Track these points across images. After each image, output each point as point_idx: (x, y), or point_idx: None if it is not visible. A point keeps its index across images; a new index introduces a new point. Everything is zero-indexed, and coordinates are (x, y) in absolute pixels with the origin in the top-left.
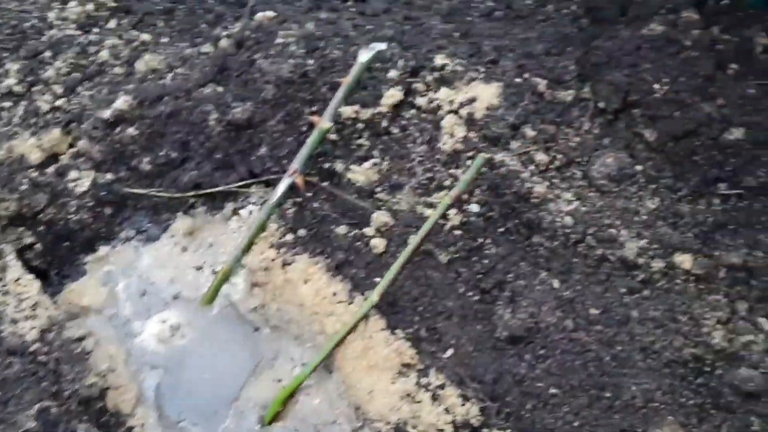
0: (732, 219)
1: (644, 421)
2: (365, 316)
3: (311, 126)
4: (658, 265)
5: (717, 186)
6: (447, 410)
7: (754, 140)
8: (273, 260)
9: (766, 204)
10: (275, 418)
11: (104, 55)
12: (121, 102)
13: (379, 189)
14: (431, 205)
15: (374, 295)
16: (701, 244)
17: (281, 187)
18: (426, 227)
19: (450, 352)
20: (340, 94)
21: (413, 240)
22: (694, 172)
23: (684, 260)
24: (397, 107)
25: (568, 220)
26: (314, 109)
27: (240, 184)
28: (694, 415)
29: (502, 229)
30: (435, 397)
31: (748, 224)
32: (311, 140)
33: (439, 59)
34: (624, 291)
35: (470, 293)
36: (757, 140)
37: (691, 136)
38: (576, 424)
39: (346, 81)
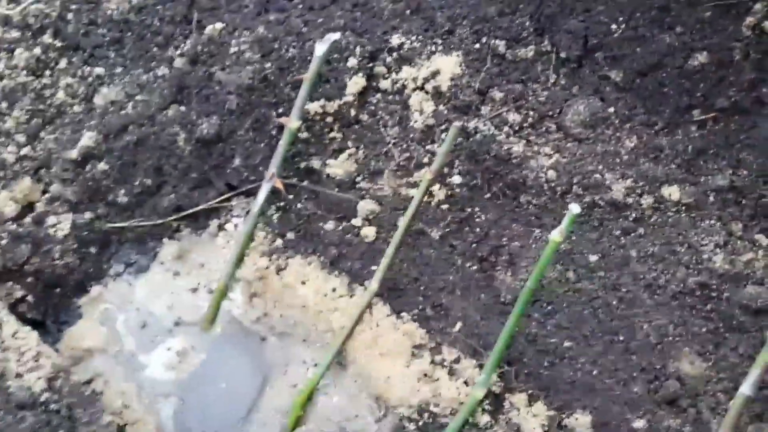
0: (711, 143)
1: (661, 357)
2: (369, 306)
3: (281, 128)
4: (647, 201)
5: (691, 113)
6: (466, 383)
7: (718, 62)
8: (267, 268)
9: (741, 122)
10: (297, 423)
11: (61, 96)
12: (87, 139)
13: (359, 178)
14: (414, 185)
15: (374, 284)
16: (686, 173)
17: (261, 194)
18: (412, 207)
19: (459, 325)
20: (303, 91)
21: (402, 222)
22: (666, 104)
23: (672, 192)
24: (363, 94)
25: (552, 173)
26: (281, 111)
27: (220, 199)
28: (709, 342)
29: (488, 195)
30: (452, 372)
31: (728, 145)
32: (283, 142)
33: (395, 39)
34: (619, 233)
35: (468, 264)
36: (722, 61)
37: (656, 69)
38: (595, 372)
39: (307, 77)
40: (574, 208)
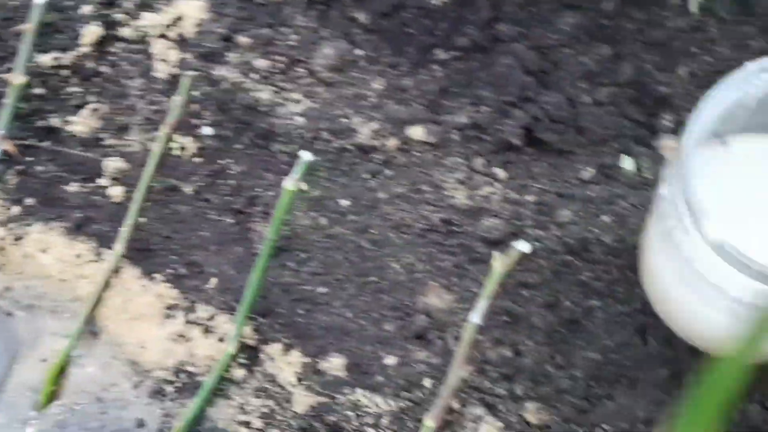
0: (453, 82)
1: (411, 294)
2: (116, 270)
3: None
4: (393, 143)
5: (433, 53)
6: (221, 339)
7: (458, 1)
8: (3, 238)
9: (480, 60)
10: (51, 398)
11: None
12: None
13: (104, 135)
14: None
15: (117, 246)
16: (430, 113)
17: None
18: (152, 162)
19: (213, 281)
20: (25, 43)
21: (143, 179)
22: (410, 45)
23: (416, 132)
24: (102, 44)
25: (301, 120)
26: (9, 66)
27: None
28: (454, 275)
29: (239, 146)
30: (207, 330)
31: (468, 83)
32: (9, 100)
33: None
34: (367, 176)
35: (223, 217)
36: (462, 0)
37: (399, 10)
38: (349, 314)
39: (29, 28)
40: (305, 155)
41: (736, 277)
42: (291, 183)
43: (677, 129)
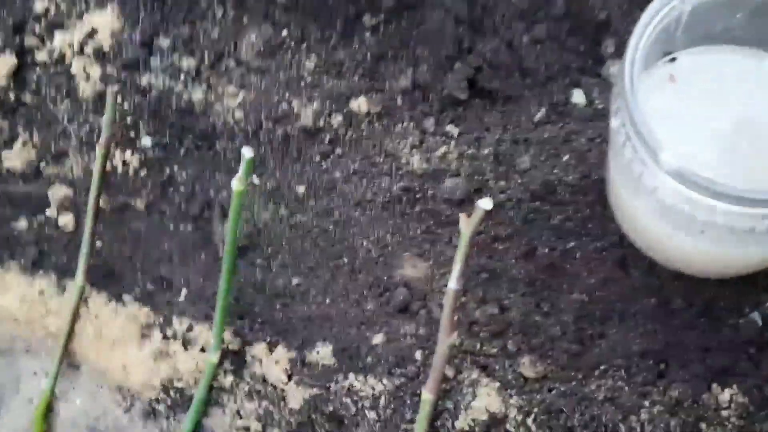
0: (387, 46)
1: (386, 268)
2: (81, 300)
3: None
4: (337, 120)
5: (361, 21)
6: (203, 349)
7: None
8: None
9: (409, 19)
10: None
11: None
12: None
13: (43, 164)
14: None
15: (78, 277)
16: (370, 82)
17: None
18: (94, 184)
19: (184, 292)
20: None
21: (90, 203)
22: (335, 17)
23: (360, 104)
24: (18, 73)
25: (239, 114)
26: None
27: None
28: (425, 242)
29: (183, 151)
30: (187, 342)
31: (403, 45)
32: None
33: (39, 6)
34: (318, 158)
35: (182, 226)
36: None
37: None
38: (328, 301)
39: None
40: (247, 152)
41: (702, 201)
42: (238, 183)
43: (622, 52)
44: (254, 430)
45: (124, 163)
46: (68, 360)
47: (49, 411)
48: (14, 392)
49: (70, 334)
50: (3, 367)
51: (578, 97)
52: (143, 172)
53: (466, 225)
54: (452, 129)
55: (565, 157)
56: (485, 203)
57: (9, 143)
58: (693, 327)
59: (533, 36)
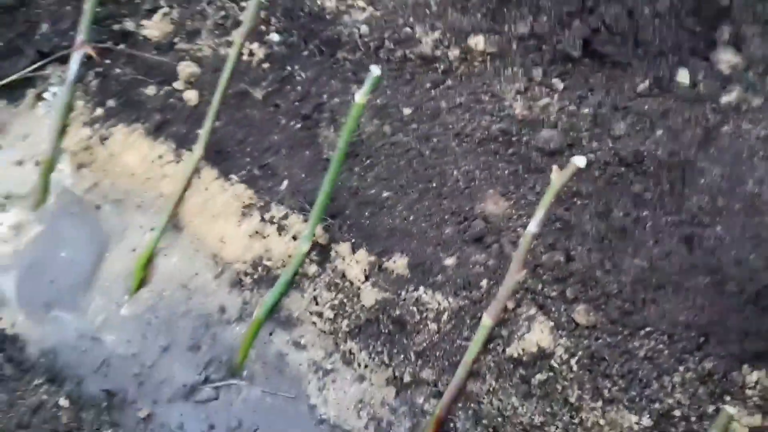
0: None
1: (470, 199)
2: (196, 171)
3: None
4: (454, 53)
5: None
6: (294, 237)
7: None
8: (90, 138)
9: None
10: (141, 284)
11: None
12: None
13: (177, 39)
14: (232, 44)
15: (198, 148)
16: (491, 22)
17: (73, 62)
18: (227, 69)
19: (285, 183)
20: None
21: (219, 84)
22: None
23: (477, 42)
24: None
25: (365, 29)
26: None
27: (33, 67)
28: (511, 183)
29: (306, 53)
30: (281, 228)
31: None
32: (87, 6)
33: None
34: (429, 85)
35: (292, 122)
36: None
37: None
38: (411, 218)
39: None
40: (375, 70)
41: None
42: (361, 97)
43: (735, 41)
44: (326, 317)
45: (251, 53)
46: (174, 222)
47: (148, 262)
48: (120, 240)
49: (181, 198)
50: (113, 216)
51: (683, 76)
52: (266, 65)
53: (558, 177)
54: (558, 83)
55: (659, 132)
56: (580, 161)
57: (150, 13)
58: (739, 311)
59: (655, 9)
